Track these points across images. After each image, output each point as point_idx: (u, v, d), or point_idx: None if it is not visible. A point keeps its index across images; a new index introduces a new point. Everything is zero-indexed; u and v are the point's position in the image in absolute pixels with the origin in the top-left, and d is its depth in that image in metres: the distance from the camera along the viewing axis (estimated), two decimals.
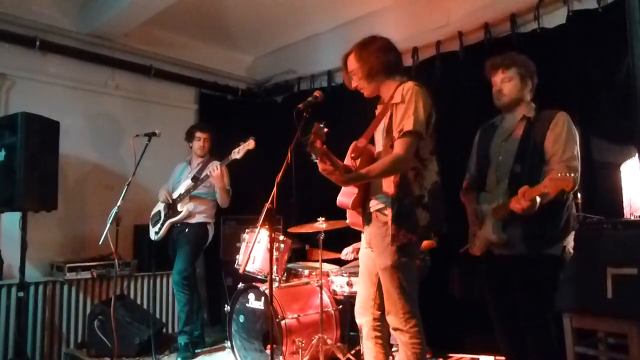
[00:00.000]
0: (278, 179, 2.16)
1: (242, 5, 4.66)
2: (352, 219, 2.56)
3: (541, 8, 3.57)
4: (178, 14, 4.59)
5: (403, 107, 2.26)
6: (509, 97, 2.55)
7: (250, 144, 3.84)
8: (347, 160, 2.39)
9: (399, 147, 2.22)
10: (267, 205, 2.13)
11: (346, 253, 3.79)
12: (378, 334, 2.46)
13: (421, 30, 4.28)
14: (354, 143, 2.37)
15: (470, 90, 3.86)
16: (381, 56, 2.37)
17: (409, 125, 2.21)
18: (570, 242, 2.46)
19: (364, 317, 2.51)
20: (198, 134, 4.22)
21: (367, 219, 2.43)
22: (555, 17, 3.54)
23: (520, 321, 2.47)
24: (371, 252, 2.43)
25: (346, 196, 2.39)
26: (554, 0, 3.53)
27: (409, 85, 2.31)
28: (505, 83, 2.54)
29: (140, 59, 5.08)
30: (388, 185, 2.29)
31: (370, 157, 2.42)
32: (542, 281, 2.40)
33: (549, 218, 2.39)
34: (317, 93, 2.39)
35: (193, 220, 4.09)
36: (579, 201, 2.94)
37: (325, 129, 2.13)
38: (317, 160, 2.14)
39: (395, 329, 2.31)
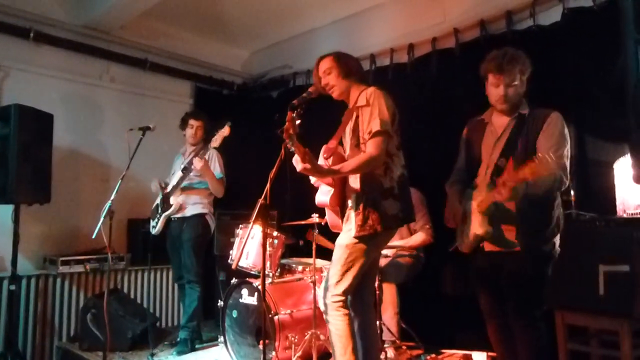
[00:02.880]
0: (272, 174, 2.19)
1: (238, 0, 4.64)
2: (332, 220, 2.68)
3: (537, 5, 3.58)
4: (174, 6, 4.58)
5: (368, 109, 2.43)
6: (512, 102, 2.50)
7: (225, 130, 3.77)
8: (320, 162, 2.53)
9: (371, 146, 2.38)
10: (260, 201, 2.14)
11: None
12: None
13: (417, 27, 4.28)
14: (325, 145, 2.59)
15: (466, 87, 3.86)
16: (356, 63, 2.66)
17: (376, 126, 2.38)
18: (557, 240, 2.48)
19: (323, 300, 2.59)
20: (191, 122, 4.14)
21: (346, 217, 2.57)
22: (551, 15, 3.55)
23: (510, 317, 2.47)
24: None
25: (324, 194, 2.55)
26: None
27: (372, 89, 2.49)
28: (509, 88, 2.45)
29: (136, 51, 5.06)
30: (354, 182, 2.46)
31: (340, 157, 2.59)
32: (532, 277, 2.41)
33: (537, 214, 2.40)
34: (311, 89, 2.49)
35: (188, 213, 4.00)
36: (572, 199, 2.96)
37: (298, 120, 2.28)
38: (292, 149, 2.25)
39: (321, 300, 2.49)
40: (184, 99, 5.52)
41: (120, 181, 3.52)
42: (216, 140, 3.78)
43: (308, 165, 2.28)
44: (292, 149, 2.25)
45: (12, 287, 3.76)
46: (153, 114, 5.01)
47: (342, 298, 2.41)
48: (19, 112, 3.71)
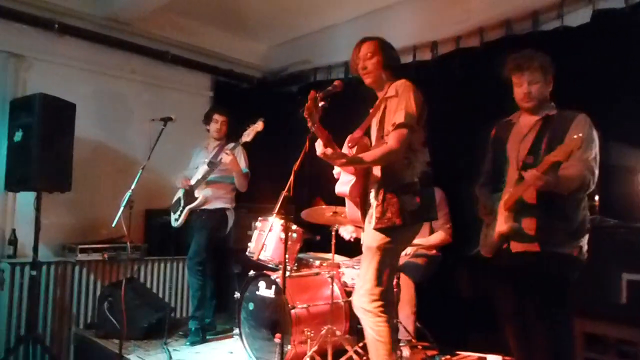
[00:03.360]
0: (296, 167, 2.17)
1: None
2: (351, 212, 2.61)
3: (565, 6, 3.53)
4: (195, 0, 4.58)
5: (396, 100, 2.38)
6: (537, 100, 2.49)
7: (259, 125, 3.82)
8: (345, 151, 2.47)
9: (392, 139, 2.33)
10: (284, 192, 2.13)
11: (346, 230, 3.81)
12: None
13: (441, 25, 4.24)
14: (350, 135, 2.50)
15: (489, 86, 3.82)
16: (397, 55, 2.61)
17: (400, 118, 2.32)
18: (585, 244, 2.43)
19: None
20: (216, 117, 4.18)
21: (365, 208, 2.51)
22: (579, 16, 3.50)
23: (531, 320, 2.44)
24: None
25: (344, 184, 2.48)
26: None
27: (402, 81, 2.45)
28: (532, 85, 2.47)
29: (157, 44, 5.09)
30: (376, 174, 2.42)
31: (365, 147, 2.53)
32: (556, 280, 2.36)
33: (562, 214, 2.36)
34: (337, 82, 2.44)
35: (211, 207, 4.05)
36: (596, 203, 2.92)
37: (321, 102, 2.22)
38: (313, 129, 2.19)
39: (359, 308, 2.40)
40: (203, 91, 5.55)
41: (140, 171, 3.54)
42: (248, 135, 3.85)
43: (329, 151, 2.23)
44: (313, 129, 2.19)
45: (33, 273, 3.82)
46: (173, 106, 5.03)
47: (383, 302, 2.34)
48: (43, 101, 3.76)
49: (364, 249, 2.45)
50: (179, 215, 4.08)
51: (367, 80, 2.56)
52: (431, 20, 4.34)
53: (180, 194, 4.19)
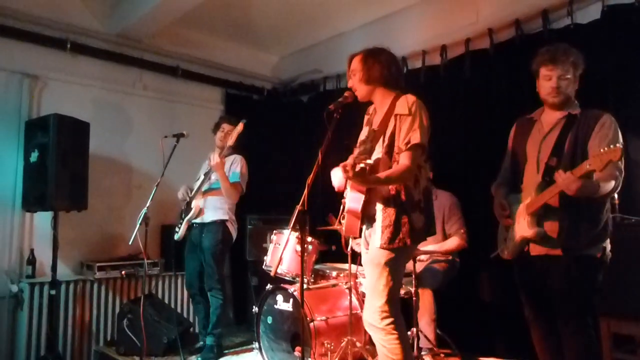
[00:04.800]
0: (309, 180, 2.15)
1: (267, 5, 4.67)
2: (350, 225, 2.53)
3: (574, 3, 3.48)
4: (204, 14, 4.62)
5: (409, 119, 2.34)
6: (565, 95, 2.44)
7: (239, 127, 3.76)
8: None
9: (407, 158, 2.31)
10: (299, 207, 2.11)
11: (357, 244, 3.76)
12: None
13: (450, 28, 4.21)
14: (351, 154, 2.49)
15: (501, 88, 3.79)
16: (383, 68, 2.47)
17: (416, 138, 2.30)
18: (608, 244, 2.38)
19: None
20: (224, 125, 4.14)
21: (370, 222, 2.46)
22: (589, 12, 3.46)
23: (559, 324, 2.38)
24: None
25: (355, 202, 2.44)
26: None
27: (413, 98, 2.40)
28: (562, 80, 2.41)
29: (168, 59, 5.13)
30: (387, 193, 2.37)
31: (371, 167, 2.45)
32: (582, 283, 2.32)
33: (587, 216, 2.31)
34: (347, 94, 2.44)
35: (207, 219, 3.94)
36: (616, 201, 2.86)
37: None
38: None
39: (370, 325, 2.37)
40: (214, 105, 5.57)
41: (155, 188, 3.56)
42: (232, 138, 3.78)
43: (363, 176, 2.17)
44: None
45: (53, 292, 3.85)
46: (184, 120, 5.09)
47: (394, 319, 2.32)
48: (57, 121, 3.80)
49: (367, 264, 2.42)
50: (179, 228, 4.03)
51: (359, 97, 2.54)
52: (440, 24, 4.31)
53: (183, 205, 4.15)
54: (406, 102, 2.38)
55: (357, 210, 2.45)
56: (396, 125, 2.38)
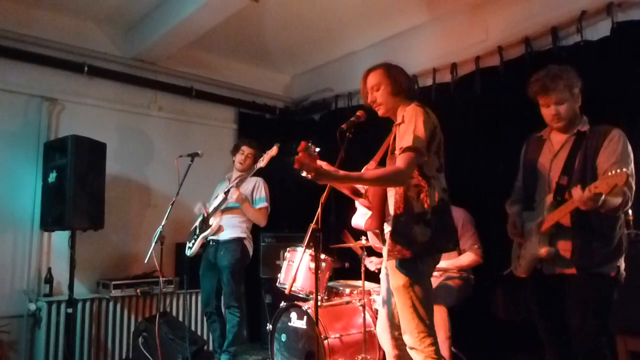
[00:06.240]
0: (323, 199, 2.17)
1: (279, 25, 4.75)
2: (373, 241, 2.60)
3: (584, 20, 3.49)
4: (217, 36, 4.72)
5: (404, 126, 2.31)
6: (567, 118, 2.45)
7: (273, 150, 3.81)
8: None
9: (399, 161, 2.23)
10: (312, 225, 2.13)
11: (371, 262, 3.76)
12: (397, 352, 2.45)
13: (460, 46, 4.25)
14: (365, 167, 2.47)
15: (511, 105, 3.80)
16: (407, 79, 2.48)
17: (408, 142, 2.23)
18: (622, 263, 2.37)
19: (383, 337, 2.52)
20: (243, 148, 4.21)
21: (383, 240, 2.46)
22: (599, 29, 3.47)
23: (574, 343, 2.36)
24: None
25: (360, 217, 2.46)
26: (597, 12, 3.46)
27: (411, 106, 2.36)
28: (560, 106, 2.42)
29: (182, 80, 5.23)
30: (390, 205, 2.35)
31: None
32: (597, 301, 2.30)
33: (600, 235, 2.31)
34: (359, 113, 2.44)
35: (226, 237, 4.01)
36: (631, 218, 2.85)
37: (316, 148, 2.04)
38: (310, 177, 2.01)
39: (411, 348, 2.31)
40: (228, 124, 5.65)
41: (170, 207, 3.61)
42: (263, 160, 3.83)
43: (330, 174, 2.07)
44: (309, 177, 2.01)
45: (69, 311, 3.90)
46: (199, 139, 5.17)
47: (433, 339, 2.25)
48: (75, 142, 3.89)
49: (393, 290, 2.35)
50: (193, 244, 4.07)
51: (380, 112, 2.50)
52: (450, 42, 4.35)
53: (197, 222, 4.21)
54: (404, 110, 2.36)
55: (360, 225, 2.50)
56: (396, 135, 2.39)
